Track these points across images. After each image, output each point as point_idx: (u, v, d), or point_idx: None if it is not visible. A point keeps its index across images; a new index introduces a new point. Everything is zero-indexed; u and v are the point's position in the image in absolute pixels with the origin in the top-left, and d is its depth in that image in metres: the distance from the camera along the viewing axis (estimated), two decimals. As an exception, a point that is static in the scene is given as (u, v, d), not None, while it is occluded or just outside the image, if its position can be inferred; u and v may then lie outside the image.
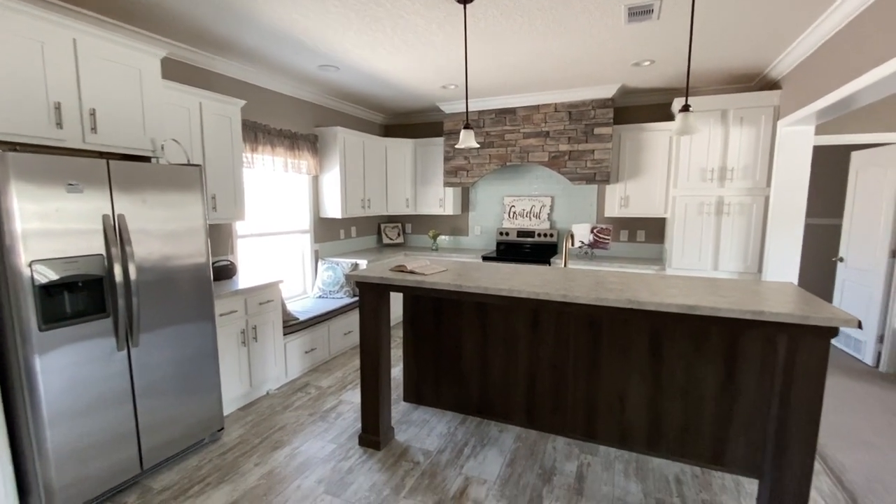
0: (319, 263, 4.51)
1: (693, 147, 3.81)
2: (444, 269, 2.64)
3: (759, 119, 3.61)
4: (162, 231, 2.32)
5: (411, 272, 2.52)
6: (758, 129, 3.62)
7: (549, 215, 4.95)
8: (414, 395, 3.19)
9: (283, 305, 3.50)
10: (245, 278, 3.36)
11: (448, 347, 3.02)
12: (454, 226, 5.50)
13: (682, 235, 3.92)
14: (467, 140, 2.64)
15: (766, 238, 3.62)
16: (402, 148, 5.18)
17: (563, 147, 4.35)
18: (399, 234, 5.66)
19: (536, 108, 4.41)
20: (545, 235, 4.88)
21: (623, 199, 4.34)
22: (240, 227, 3.72)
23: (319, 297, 4.42)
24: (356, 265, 4.50)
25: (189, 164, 2.47)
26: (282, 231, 4.20)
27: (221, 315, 2.89)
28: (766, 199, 3.64)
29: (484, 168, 4.73)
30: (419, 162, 5.22)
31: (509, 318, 2.80)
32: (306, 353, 3.72)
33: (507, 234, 5.07)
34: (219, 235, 3.50)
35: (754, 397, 2.29)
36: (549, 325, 2.70)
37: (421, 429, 2.84)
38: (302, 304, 4.14)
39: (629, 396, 2.55)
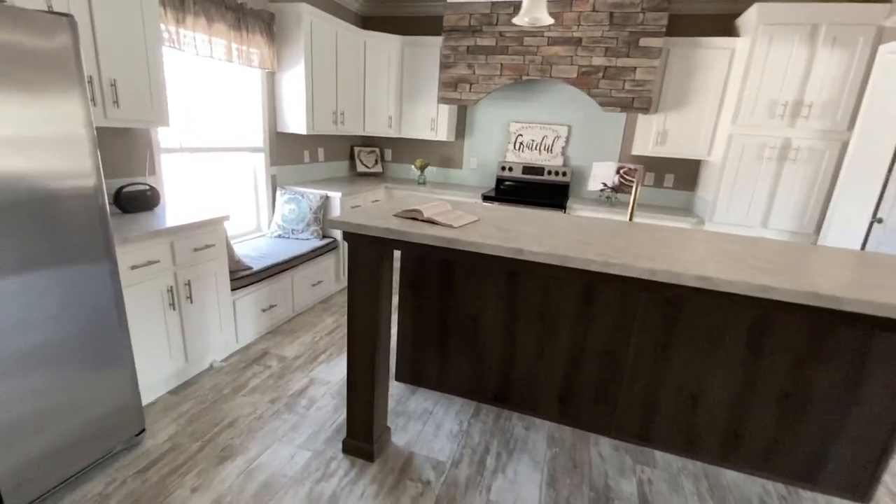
0: (278, 193, 3.51)
1: (766, 73, 3.03)
2: (476, 217, 1.81)
3: (856, 41, 2.85)
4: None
5: (431, 222, 1.67)
6: (851, 55, 2.87)
7: (564, 149, 4.11)
8: (410, 373, 2.47)
9: (231, 250, 2.57)
10: (174, 212, 2.37)
11: (461, 318, 2.28)
12: (444, 155, 4.56)
13: (731, 183, 3.25)
14: (535, 9, 1.67)
15: (835, 193, 3.02)
16: (385, 46, 4.03)
17: (598, 61, 3.43)
18: (377, 162, 4.66)
19: (569, 3, 3.39)
20: (557, 174, 4.08)
21: (660, 135, 3.57)
22: (163, 138, 2.64)
23: (279, 236, 3.47)
24: (326, 198, 3.54)
25: (51, 12, 1.39)
26: (226, 147, 3.12)
27: (135, 267, 1.95)
28: (844, 145, 2.99)
29: (492, 82, 3.74)
30: (407, 68, 4.11)
31: (551, 288, 2.07)
32: (263, 311, 2.86)
33: (510, 169, 4.21)
34: (130, 147, 2.42)
35: (877, 408, 1.75)
36: (608, 300, 1.99)
37: (424, 425, 2.15)
38: (255, 245, 3.20)
39: (706, 395, 1.95)
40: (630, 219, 2.24)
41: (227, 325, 2.55)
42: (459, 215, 1.77)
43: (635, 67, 3.37)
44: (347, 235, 1.67)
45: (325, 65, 3.51)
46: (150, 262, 2.01)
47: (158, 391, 2.23)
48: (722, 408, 1.94)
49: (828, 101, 2.96)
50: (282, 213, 3.48)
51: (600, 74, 3.46)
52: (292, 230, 3.47)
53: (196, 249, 2.25)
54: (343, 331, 3.03)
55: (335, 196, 3.51)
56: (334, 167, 4.39)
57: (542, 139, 4.13)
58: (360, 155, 4.57)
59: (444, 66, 3.84)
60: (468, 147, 4.44)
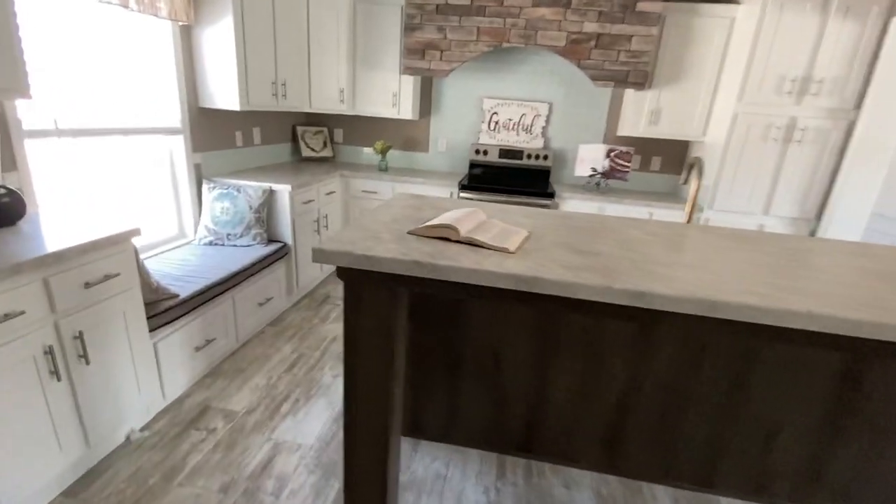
0: (205, 187, 2.72)
1: (776, 45, 2.75)
2: (526, 232, 1.28)
3: (869, 11, 2.63)
4: None
5: (472, 243, 1.12)
6: (862, 27, 2.66)
7: (545, 130, 3.66)
8: (409, 424, 1.93)
9: (145, 276, 1.83)
10: (51, 228, 1.59)
11: (477, 352, 1.76)
12: (406, 136, 3.93)
13: (734, 167, 2.99)
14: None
15: (839, 176, 2.86)
16: (333, 1, 3.28)
17: (591, 27, 2.98)
18: (326, 144, 3.92)
19: (561, -44, 2.89)
20: (538, 157, 3.63)
21: (653, 113, 3.22)
22: (28, 117, 1.79)
23: (210, 243, 2.71)
24: (270, 192, 2.82)
25: None
26: (128, 129, 2.29)
27: (-22, 329, 1.20)
28: (850, 124, 2.81)
29: (467, 49, 3.16)
30: (361, 29, 3.39)
31: (603, 318, 1.61)
32: (198, 350, 2.15)
33: (484, 152, 3.69)
34: (-34, 130, 1.58)
35: (977, 435, 1.51)
36: (674, 332, 1.58)
37: (441, 500, 1.64)
38: (180, 259, 2.43)
39: (784, 434, 1.62)
40: (688, 220, 1.85)
41: (148, 380, 1.84)
42: (505, 229, 1.23)
43: (631, 36, 2.97)
44: (342, 271, 1.08)
45: (259, 20, 2.73)
46: (6, 316, 1.27)
47: (44, 497, 1.50)
48: (803, 444, 1.63)
49: (837, 77, 2.75)
50: (212, 213, 2.70)
51: (592, 43, 3.01)
52: (227, 235, 2.71)
53: (89, 284, 1.51)
54: (307, 364, 2.40)
55: (282, 189, 2.79)
56: (274, 151, 3.61)
57: (521, 118, 3.65)
58: (304, 136, 3.81)
59: (409, 27, 3.19)
60: (435, 127, 3.84)
